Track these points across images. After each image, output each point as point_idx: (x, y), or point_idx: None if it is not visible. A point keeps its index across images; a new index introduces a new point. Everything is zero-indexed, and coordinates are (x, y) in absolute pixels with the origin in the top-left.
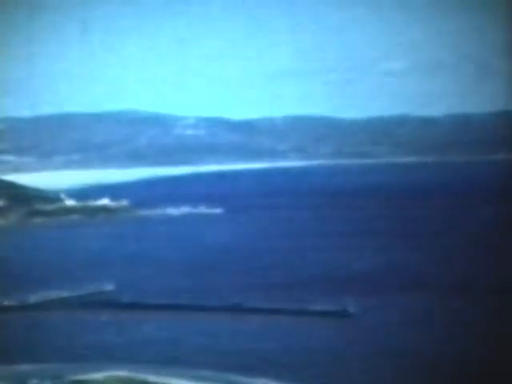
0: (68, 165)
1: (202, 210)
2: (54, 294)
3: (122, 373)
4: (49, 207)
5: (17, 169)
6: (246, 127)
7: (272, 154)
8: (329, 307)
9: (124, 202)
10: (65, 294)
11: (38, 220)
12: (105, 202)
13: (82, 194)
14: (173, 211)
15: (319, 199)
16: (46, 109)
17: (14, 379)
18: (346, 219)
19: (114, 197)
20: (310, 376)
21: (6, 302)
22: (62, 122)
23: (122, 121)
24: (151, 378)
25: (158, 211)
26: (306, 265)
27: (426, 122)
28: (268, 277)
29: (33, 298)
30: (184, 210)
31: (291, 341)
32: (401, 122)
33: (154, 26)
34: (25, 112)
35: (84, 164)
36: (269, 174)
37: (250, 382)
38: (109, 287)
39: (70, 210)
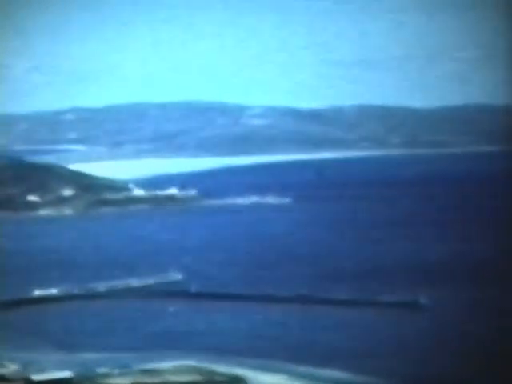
0: (137, 154)
1: (270, 200)
2: (122, 283)
3: (190, 362)
4: (117, 196)
5: (86, 158)
6: (315, 116)
7: (342, 143)
8: (400, 298)
9: (192, 192)
10: (133, 283)
11: (106, 209)
12: (173, 191)
13: (151, 183)
14: (241, 201)
15: (391, 189)
16: (116, 99)
17: (83, 367)
18: (419, 209)
19: (182, 187)
20: (380, 368)
21: (75, 291)
22: (132, 112)
23: (191, 111)
24: (219, 367)
25: (225, 201)
26: (377, 255)
27: (503, 111)
28: (338, 267)
29: (101, 287)
30: (252, 199)
31: (361, 332)
32: (478, 110)
33: (220, 16)
34: (95, 102)
35: (153, 154)
36: (338, 163)
37: (318, 372)
38: (177, 277)
39: (138, 200)
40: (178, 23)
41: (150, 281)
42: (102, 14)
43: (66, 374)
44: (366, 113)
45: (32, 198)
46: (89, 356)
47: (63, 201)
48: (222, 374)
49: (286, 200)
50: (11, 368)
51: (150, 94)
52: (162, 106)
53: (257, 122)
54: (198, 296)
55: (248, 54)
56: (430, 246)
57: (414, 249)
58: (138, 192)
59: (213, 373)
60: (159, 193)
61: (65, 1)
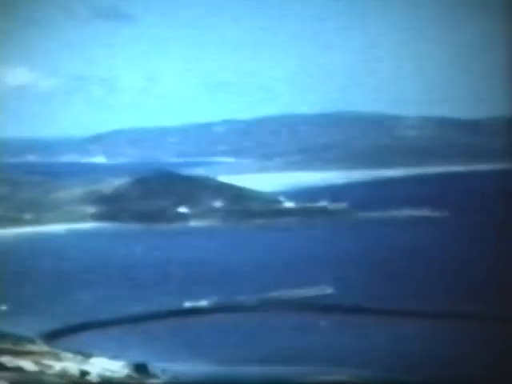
0: (287, 166)
1: (426, 212)
2: (271, 296)
3: (342, 378)
4: (266, 209)
5: (236, 170)
6: (473, 127)
7: (502, 155)
8: None
9: (344, 204)
10: (283, 296)
11: (256, 221)
12: (324, 204)
13: (301, 196)
14: (395, 214)
15: None
16: (266, 110)
17: (233, 380)
18: None
19: (333, 199)
20: None
21: (225, 303)
22: (282, 124)
23: (343, 122)
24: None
25: (378, 214)
26: None
27: None
28: (496, 283)
29: (251, 300)
30: (406, 212)
31: None
32: None
33: (373, 25)
34: (245, 114)
35: (304, 166)
36: (500, 176)
37: None
38: (328, 291)
39: (287, 212)
40: (327, 31)
41: (301, 294)
42: (250, 24)
43: None
44: None
45: (183, 209)
46: (239, 369)
47: (213, 213)
48: None
49: (443, 213)
50: (161, 379)
51: (299, 106)
52: (312, 118)
53: (412, 132)
54: (350, 310)
55: (401, 63)
56: None
57: None
58: (288, 204)
59: None
60: (309, 205)
61: (211, 13)
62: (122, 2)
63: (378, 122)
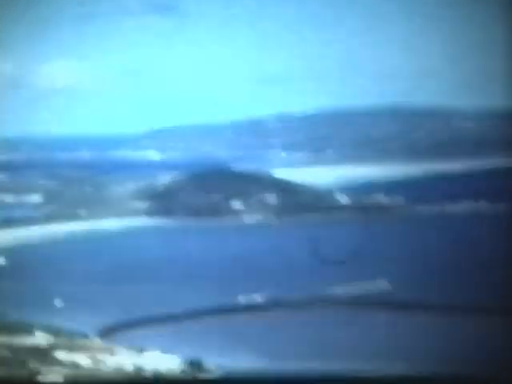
0: (341, 160)
1: (484, 206)
2: (326, 291)
3: (400, 373)
4: (320, 203)
5: (289, 165)
6: None
7: None
8: None
9: (399, 199)
10: (338, 291)
11: (309, 216)
12: (379, 198)
13: (355, 190)
14: (452, 208)
15: None
16: (319, 103)
17: (292, 375)
18: None
19: (388, 193)
20: None
21: (278, 299)
22: (336, 116)
23: (399, 114)
24: None
25: (435, 208)
26: None
27: None
28: None
29: (304, 296)
30: (464, 206)
31: None
32: None
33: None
34: (298, 108)
35: (358, 159)
36: None
37: None
38: (384, 286)
39: (342, 207)
40: (377, 24)
41: (356, 290)
42: (301, 16)
43: None
44: None
45: (235, 204)
46: (292, 365)
47: (266, 207)
48: None
49: (501, 205)
50: (216, 375)
51: (353, 99)
52: (367, 110)
53: (469, 124)
54: (407, 306)
55: (455, 53)
56: None
57: None
58: (342, 199)
59: None
60: (364, 200)
61: (262, 6)
62: None
63: (434, 114)
